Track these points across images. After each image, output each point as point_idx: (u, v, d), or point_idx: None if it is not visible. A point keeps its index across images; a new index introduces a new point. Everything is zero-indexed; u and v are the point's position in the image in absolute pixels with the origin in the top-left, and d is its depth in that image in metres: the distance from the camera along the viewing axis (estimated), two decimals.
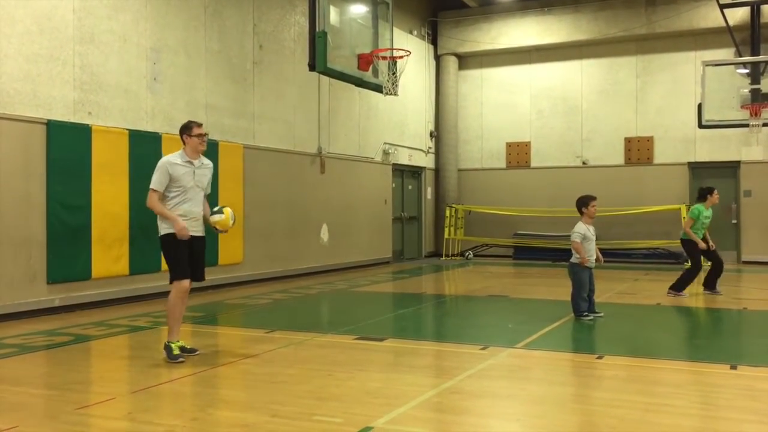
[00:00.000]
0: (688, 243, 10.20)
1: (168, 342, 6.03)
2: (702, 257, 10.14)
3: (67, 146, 8.76)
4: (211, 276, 10.95)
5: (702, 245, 10.01)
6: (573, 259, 8.31)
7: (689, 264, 10.28)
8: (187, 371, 5.64)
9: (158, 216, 6.04)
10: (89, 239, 9.03)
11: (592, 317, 8.10)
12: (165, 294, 9.91)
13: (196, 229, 6.09)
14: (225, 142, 11.24)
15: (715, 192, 10.33)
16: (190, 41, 10.71)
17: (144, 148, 9.72)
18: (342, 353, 6.41)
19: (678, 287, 10.15)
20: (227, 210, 6.17)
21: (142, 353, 6.62)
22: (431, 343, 7.35)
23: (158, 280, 9.96)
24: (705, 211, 10.14)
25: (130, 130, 9.60)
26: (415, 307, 10.13)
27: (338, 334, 7.29)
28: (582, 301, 8.13)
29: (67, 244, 8.75)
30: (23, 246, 8.33)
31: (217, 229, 6.18)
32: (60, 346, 6.81)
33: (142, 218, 9.62)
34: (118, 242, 9.38)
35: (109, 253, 9.27)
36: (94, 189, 9.08)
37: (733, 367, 5.77)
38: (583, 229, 8.20)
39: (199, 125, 6.22)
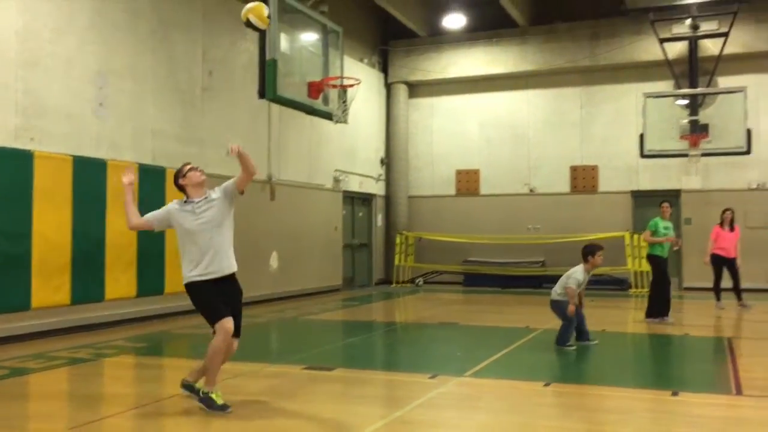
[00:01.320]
0: (651, 258, 10.40)
1: (207, 392, 5.27)
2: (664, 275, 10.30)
3: (7, 173, 8.49)
4: (157, 305, 10.74)
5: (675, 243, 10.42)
6: (557, 297, 8.28)
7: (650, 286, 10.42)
8: (130, 404, 5.48)
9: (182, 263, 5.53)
10: (29, 268, 8.73)
11: (575, 346, 8.09)
12: (110, 324, 9.75)
13: (221, 272, 5.48)
14: (173, 169, 11.06)
15: (664, 204, 10.68)
16: (137, 66, 10.58)
17: (88, 175, 9.51)
18: (291, 384, 6.33)
19: (653, 312, 10.21)
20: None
21: (83, 386, 6.41)
22: (381, 372, 7.32)
23: (101, 310, 9.72)
24: (662, 222, 10.40)
25: (74, 156, 9.38)
26: (364, 336, 10.09)
27: (287, 364, 7.20)
28: (569, 334, 8.12)
29: (5, 273, 8.45)
30: None
31: (252, 23, 6.76)
32: None
33: (85, 246, 9.39)
34: (59, 271, 9.10)
35: (50, 282, 8.98)
36: (35, 216, 8.80)
37: (675, 394, 5.90)
38: (581, 277, 8.21)
39: (187, 163, 5.94)
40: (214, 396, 5.25)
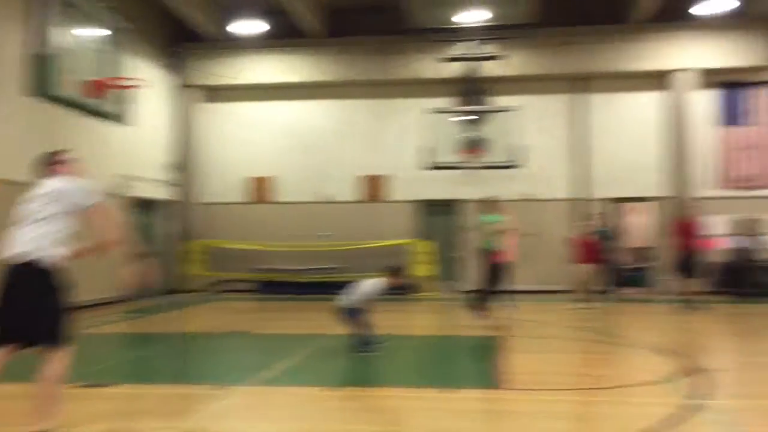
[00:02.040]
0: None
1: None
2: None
3: None
4: None
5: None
6: (347, 304, 8.39)
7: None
8: None
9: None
10: None
11: (377, 351, 8.25)
12: None
13: None
14: None
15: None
16: None
17: None
18: (65, 403, 5.91)
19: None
20: None
21: None
22: (165, 385, 7.07)
23: None
24: (483, 217, 10.93)
25: None
26: (149, 348, 9.69)
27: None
28: (369, 337, 8.27)
29: None
30: None
31: None
32: None
33: None
34: None
35: None
36: None
37: (449, 390, 6.35)
38: (385, 286, 8.44)
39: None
40: None
